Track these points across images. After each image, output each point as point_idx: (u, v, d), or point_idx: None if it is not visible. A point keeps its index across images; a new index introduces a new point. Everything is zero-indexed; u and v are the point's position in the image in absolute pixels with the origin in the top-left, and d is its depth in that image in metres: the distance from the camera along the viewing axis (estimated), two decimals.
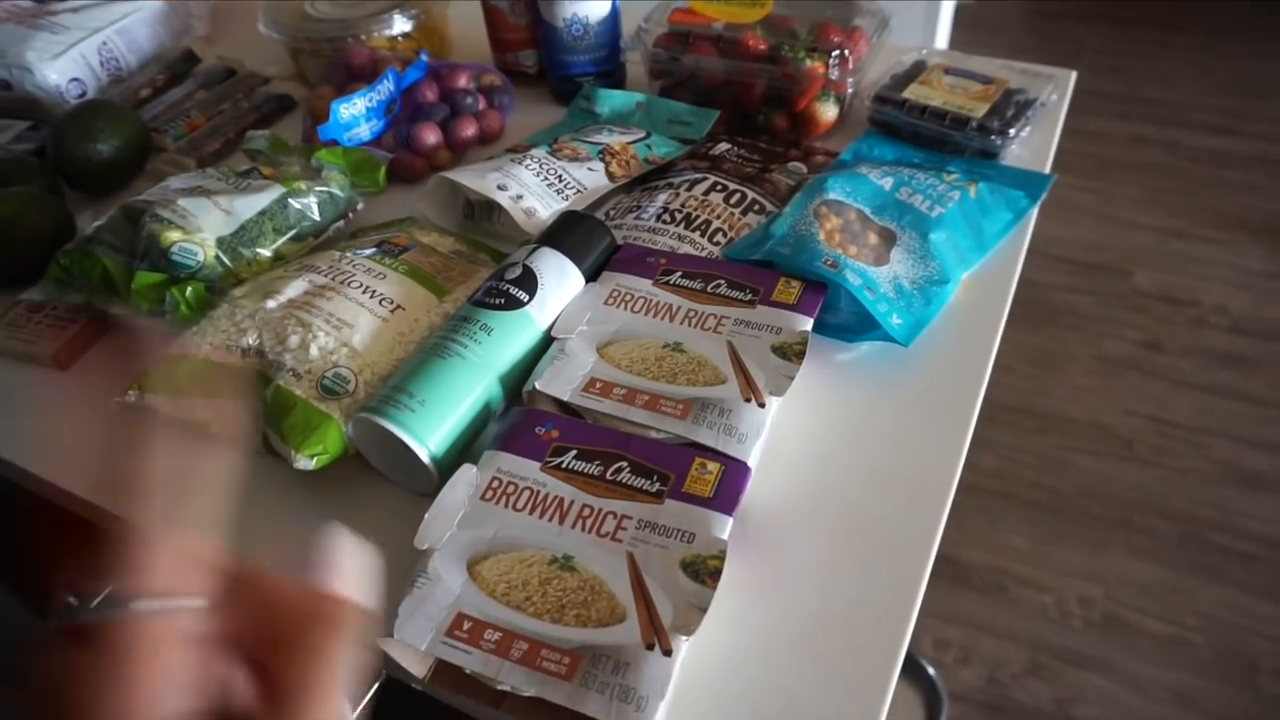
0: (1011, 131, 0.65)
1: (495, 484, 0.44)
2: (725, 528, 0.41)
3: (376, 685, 0.55)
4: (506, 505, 0.43)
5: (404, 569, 0.45)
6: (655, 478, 0.43)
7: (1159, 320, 1.79)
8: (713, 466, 0.43)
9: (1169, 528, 1.44)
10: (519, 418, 0.47)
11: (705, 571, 0.39)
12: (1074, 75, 0.75)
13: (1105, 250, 1.95)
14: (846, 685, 0.39)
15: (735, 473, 0.43)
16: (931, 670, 1.24)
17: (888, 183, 0.61)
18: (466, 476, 0.44)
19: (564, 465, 0.44)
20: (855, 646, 0.41)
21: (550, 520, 0.42)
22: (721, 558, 0.40)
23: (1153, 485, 1.50)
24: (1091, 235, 1.99)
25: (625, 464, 0.44)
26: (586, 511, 0.42)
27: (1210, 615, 1.33)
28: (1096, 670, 1.28)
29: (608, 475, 0.43)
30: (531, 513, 0.42)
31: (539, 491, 0.43)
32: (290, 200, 0.60)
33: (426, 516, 0.42)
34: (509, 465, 0.44)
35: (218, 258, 0.56)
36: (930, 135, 0.68)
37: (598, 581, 0.39)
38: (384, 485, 0.49)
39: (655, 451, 0.44)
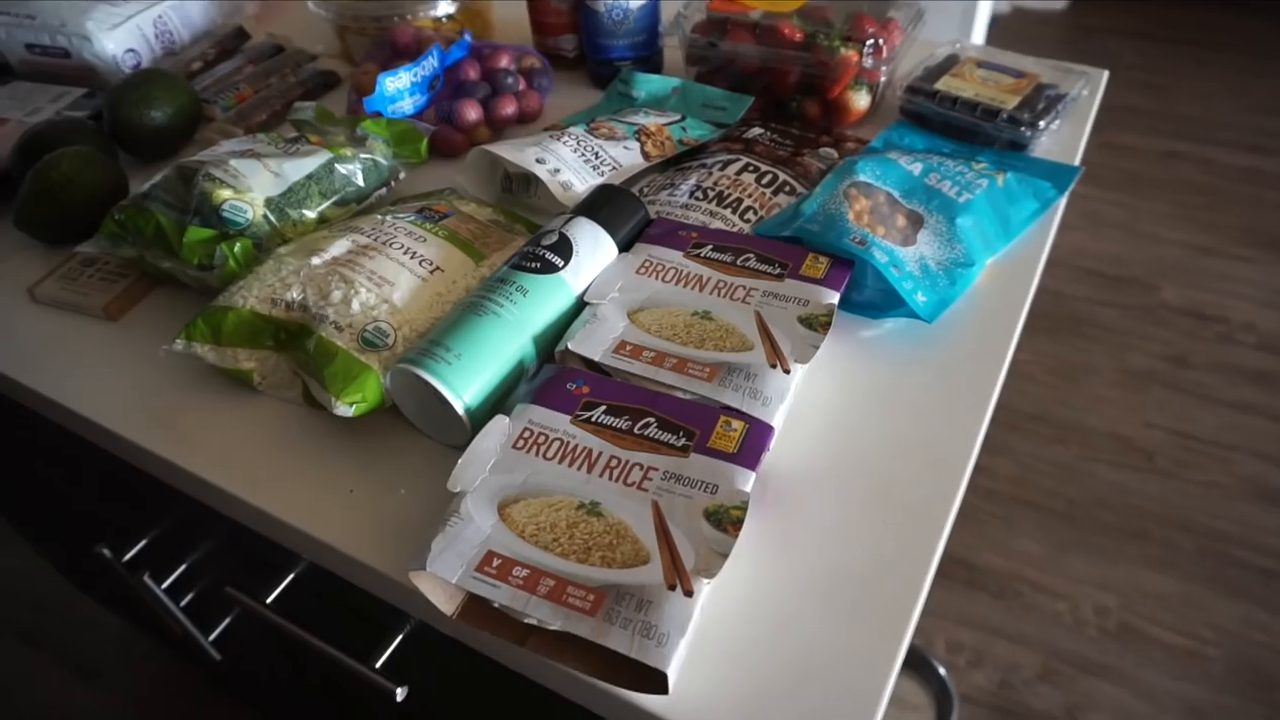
0: (1041, 124, 0.66)
1: (527, 434, 0.45)
2: (748, 481, 0.42)
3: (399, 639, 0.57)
4: (537, 454, 0.44)
5: (435, 517, 0.47)
6: (681, 433, 0.45)
7: (1185, 335, 1.78)
8: (737, 424, 0.45)
9: (1188, 541, 1.44)
10: (552, 374, 0.48)
11: (728, 520, 0.40)
12: (1106, 74, 0.76)
13: (1133, 264, 1.94)
14: (860, 639, 0.40)
15: (759, 431, 0.44)
16: (944, 671, 1.25)
17: (917, 168, 0.62)
18: (500, 426, 0.45)
19: (593, 419, 0.46)
20: (870, 603, 0.42)
21: (579, 469, 0.44)
22: (743, 508, 0.41)
23: (1173, 498, 1.50)
24: (1119, 249, 1.98)
25: (652, 420, 0.45)
26: (614, 462, 0.44)
27: (1227, 630, 1.32)
28: (1109, 679, 1.28)
29: (635, 430, 0.45)
30: (561, 462, 0.44)
31: (569, 443, 0.45)
32: (336, 165, 0.62)
33: (460, 461, 0.44)
34: (540, 418, 0.46)
35: (265, 217, 0.58)
36: (961, 126, 0.69)
37: (623, 526, 0.41)
38: (418, 437, 0.51)
39: (682, 409, 0.46)
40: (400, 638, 0.56)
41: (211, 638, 0.85)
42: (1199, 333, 1.79)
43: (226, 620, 0.82)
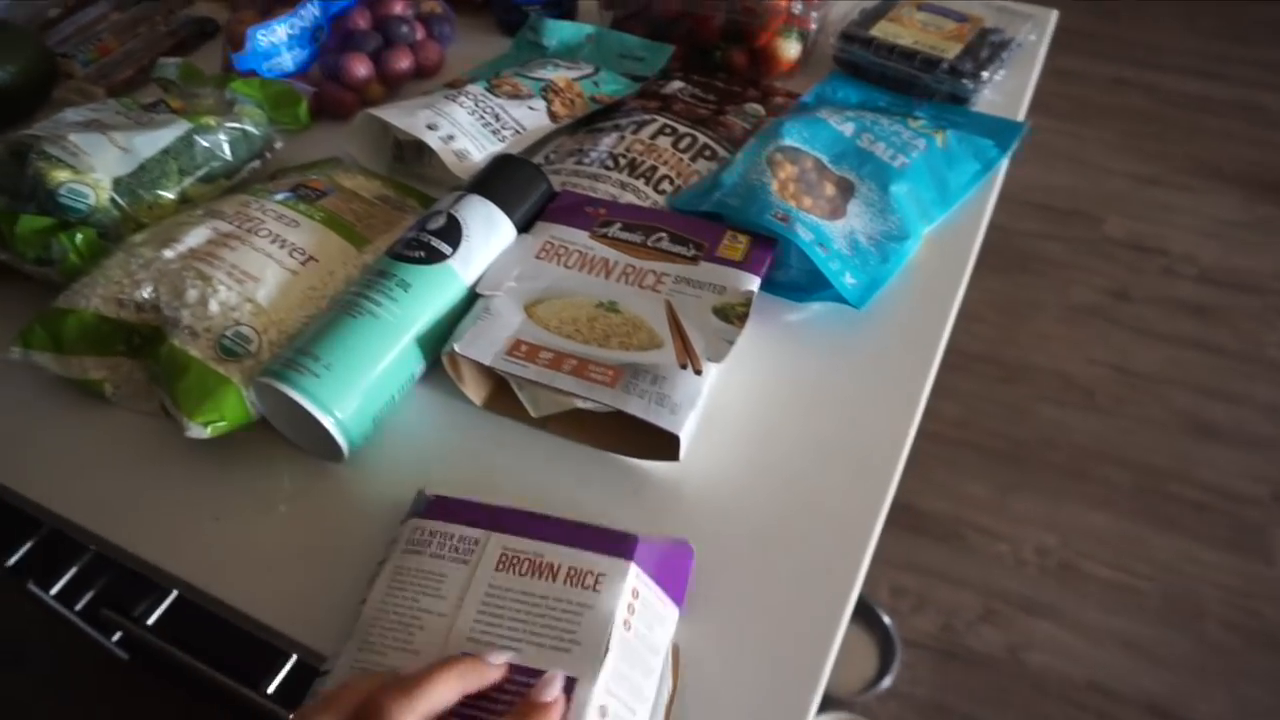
0: (985, 74, 0.61)
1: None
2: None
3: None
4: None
5: (313, 545, 0.42)
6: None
7: (1127, 268, 1.77)
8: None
9: (1126, 477, 1.45)
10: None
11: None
12: (1055, 14, 0.71)
13: (1078, 196, 1.92)
14: (777, 676, 0.37)
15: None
16: (887, 619, 1.25)
17: (849, 128, 0.57)
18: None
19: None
20: (789, 629, 0.38)
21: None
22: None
23: (1112, 435, 1.50)
24: (1066, 180, 1.96)
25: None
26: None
27: (1161, 563, 1.34)
28: (1048, 617, 1.30)
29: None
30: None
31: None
32: (197, 137, 0.54)
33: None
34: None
35: (113, 200, 0.51)
36: (898, 77, 0.64)
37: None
38: (293, 451, 0.46)
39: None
40: (294, 661, 0.52)
41: (115, 639, 0.80)
42: (1141, 265, 1.78)
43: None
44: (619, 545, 0.36)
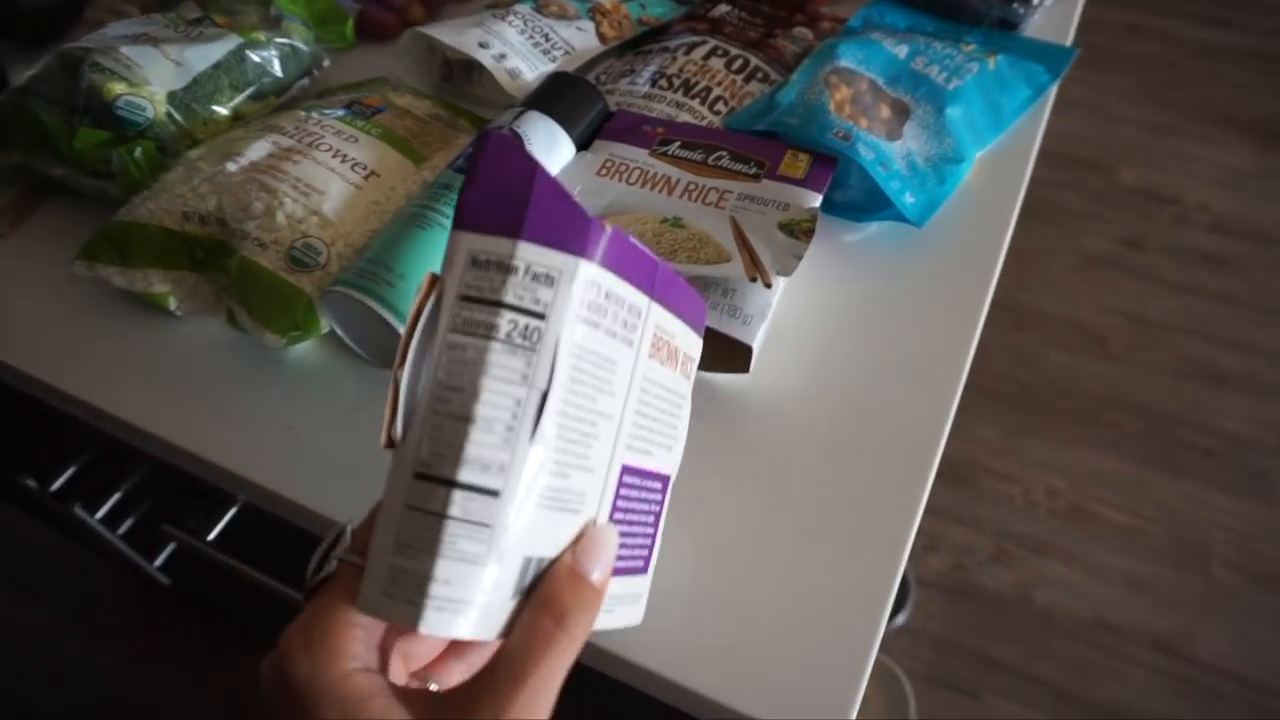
0: (1035, 0, 0.61)
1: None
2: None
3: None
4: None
5: (387, 454, 0.42)
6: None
7: (1141, 217, 1.77)
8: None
9: (1136, 423, 1.47)
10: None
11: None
12: None
13: (1093, 145, 1.91)
14: (848, 580, 0.38)
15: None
16: None
17: (902, 51, 0.56)
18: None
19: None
20: (857, 540, 0.39)
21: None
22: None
23: (1123, 381, 1.52)
24: (1080, 129, 1.94)
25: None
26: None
27: (1169, 507, 1.37)
28: (1057, 557, 1.32)
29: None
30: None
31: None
32: (248, 52, 0.54)
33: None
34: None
35: (169, 114, 0.50)
36: (947, 1, 0.63)
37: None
38: (365, 364, 0.46)
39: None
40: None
41: (158, 563, 0.82)
42: (1154, 214, 1.78)
43: (172, 545, 0.78)
44: (702, 320, 0.33)
